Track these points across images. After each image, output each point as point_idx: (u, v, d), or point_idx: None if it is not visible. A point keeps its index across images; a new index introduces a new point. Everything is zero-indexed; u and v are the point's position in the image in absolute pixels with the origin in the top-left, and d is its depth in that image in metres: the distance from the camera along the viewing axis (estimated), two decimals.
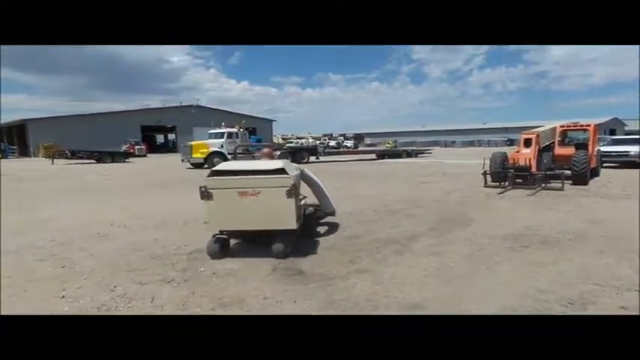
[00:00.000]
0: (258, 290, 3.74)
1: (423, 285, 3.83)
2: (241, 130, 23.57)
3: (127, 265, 4.57)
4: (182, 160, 22.98)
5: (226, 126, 24.17)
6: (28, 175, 19.41)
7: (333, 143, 53.74)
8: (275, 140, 57.03)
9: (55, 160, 29.35)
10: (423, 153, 34.05)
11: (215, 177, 4.82)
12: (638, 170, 14.23)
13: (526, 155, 11.14)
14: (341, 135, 67.77)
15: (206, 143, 22.62)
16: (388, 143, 49.12)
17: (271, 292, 3.68)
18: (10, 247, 5.41)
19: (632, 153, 16.55)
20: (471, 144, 67.18)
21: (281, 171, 4.72)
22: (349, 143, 59.76)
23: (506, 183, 10.97)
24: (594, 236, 5.53)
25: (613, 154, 16.94)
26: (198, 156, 21.95)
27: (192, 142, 22.82)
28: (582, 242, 5.25)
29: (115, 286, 3.88)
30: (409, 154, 31.53)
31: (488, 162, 11.80)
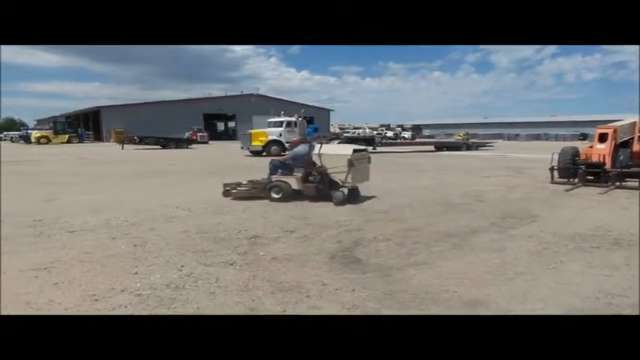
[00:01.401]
0: (316, 277, 3.82)
1: (484, 281, 3.73)
2: (299, 119, 23.79)
3: (193, 246, 4.80)
4: (242, 148, 23.59)
5: (285, 115, 24.54)
6: (103, 159, 20.78)
7: (390, 134, 53.08)
8: (332, 130, 57.07)
9: (124, 145, 31.19)
10: (484, 146, 32.83)
11: (354, 154, 7.86)
12: None
13: (601, 151, 10.45)
14: (399, 126, 66.70)
15: (265, 132, 23.07)
16: (459, 135, 47.33)
17: (329, 279, 3.74)
18: (89, 226, 5.85)
19: None
20: (537, 138, 63.97)
21: (364, 150, 8.66)
22: (407, 134, 58.76)
23: (576, 180, 10.37)
24: None
25: None
26: (257, 144, 22.46)
27: (252, 131, 23.35)
28: None
29: (182, 266, 4.10)
30: (469, 147, 30.52)
31: (556, 157, 11.17)
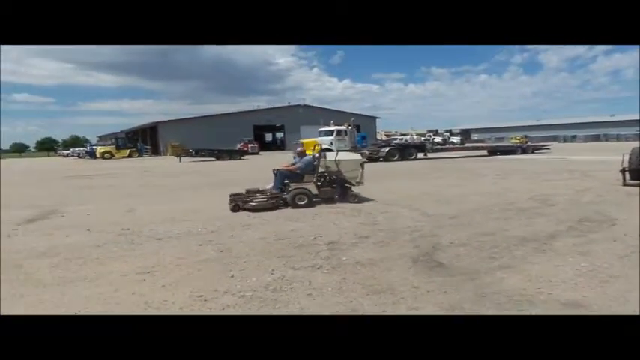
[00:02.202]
0: (405, 280, 3.93)
1: (578, 284, 3.71)
2: (350, 127, 24.02)
3: (276, 251, 5.04)
4: (294, 157, 24.03)
5: (335, 124, 24.86)
6: (165, 171, 21.84)
7: (438, 140, 52.23)
8: (378, 137, 56.92)
9: (181, 158, 32.59)
10: (540, 149, 31.61)
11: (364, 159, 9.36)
12: None
13: None
14: (447, 131, 65.52)
15: (316, 141, 23.44)
16: (516, 138, 45.52)
17: (418, 282, 3.85)
18: (172, 233, 6.24)
19: None
20: (596, 139, 60.88)
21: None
22: (455, 139, 57.60)
23: None
24: None
25: None
26: (309, 153, 22.84)
27: (304, 140, 23.79)
28: None
29: (273, 270, 4.33)
30: (524, 151, 29.50)
31: (626, 158, 10.68)
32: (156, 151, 48.30)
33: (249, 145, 42.77)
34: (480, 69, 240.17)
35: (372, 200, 8.88)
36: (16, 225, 7.40)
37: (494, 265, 4.32)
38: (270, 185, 8.87)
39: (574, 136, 64.32)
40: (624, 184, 10.16)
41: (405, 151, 25.21)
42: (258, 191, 8.68)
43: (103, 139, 67.67)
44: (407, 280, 3.92)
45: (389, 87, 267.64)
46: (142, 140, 52.08)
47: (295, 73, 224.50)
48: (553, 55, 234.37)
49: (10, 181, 18.68)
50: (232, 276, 4.18)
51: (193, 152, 33.15)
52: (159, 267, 4.57)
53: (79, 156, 53.48)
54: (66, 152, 69.34)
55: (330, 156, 9.14)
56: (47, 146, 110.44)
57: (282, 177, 8.69)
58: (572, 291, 3.53)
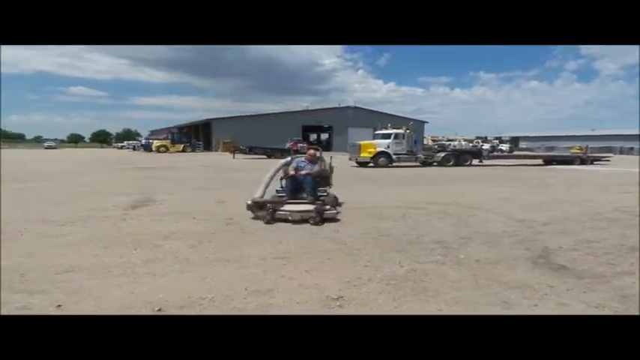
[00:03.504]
0: (535, 279, 4.15)
1: None
2: (408, 131, 24.08)
3: (390, 247, 5.35)
4: (349, 159, 24.33)
5: (392, 127, 24.97)
6: (224, 167, 22.68)
7: (487, 146, 51.23)
8: (425, 141, 56.45)
9: (235, 154, 33.61)
10: (600, 160, 30.55)
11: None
12: None
13: None
14: (496, 138, 64.17)
15: (373, 143, 23.66)
16: (577, 148, 43.75)
17: (553, 282, 4.05)
18: (274, 227, 6.63)
19: None
20: None
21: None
22: (505, 147, 56.34)
23: None
24: None
25: None
26: (365, 155, 23.11)
27: (361, 142, 24.01)
28: None
29: (400, 262, 4.64)
30: (583, 161, 28.62)
31: None
32: (208, 147, 49.81)
33: (299, 145, 43.41)
34: (530, 75, 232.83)
35: (453, 204, 9.05)
36: (123, 210, 8.04)
37: (617, 270, 4.45)
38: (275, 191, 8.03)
39: (631, 148, 61.48)
40: None
41: (461, 157, 25.05)
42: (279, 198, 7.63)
43: (155, 133, 70.37)
44: (537, 279, 4.14)
45: (434, 91, 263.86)
46: (194, 136, 53.84)
47: (340, 74, 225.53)
48: (610, 62, 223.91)
49: (88, 169, 19.93)
50: (366, 266, 4.52)
51: (247, 149, 34.11)
52: (289, 254, 4.96)
53: (133, 148, 55.94)
54: (120, 144, 72.55)
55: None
56: (101, 138, 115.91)
57: (298, 183, 7.87)
58: None
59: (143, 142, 51.82)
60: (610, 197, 10.74)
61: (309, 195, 7.61)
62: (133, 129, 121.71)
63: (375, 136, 25.15)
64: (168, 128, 64.68)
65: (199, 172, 18.93)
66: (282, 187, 8.17)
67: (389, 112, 56.01)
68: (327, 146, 57.57)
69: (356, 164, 23.49)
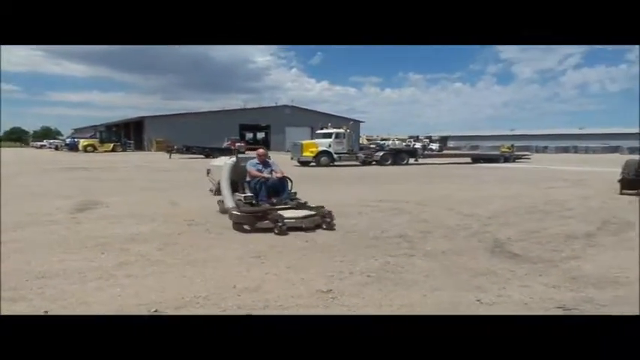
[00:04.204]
0: (496, 266, 4.59)
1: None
2: (348, 130, 24.68)
3: (358, 242, 5.61)
4: (291, 158, 24.50)
5: (332, 126, 25.47)
6: (162, 167, 21.94)
7: (418, 145, 53.56)
8: (361, 141, 57.87)
9: (171, 154, 32.50)
10: (521, 158, 33.21)
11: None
12: None
13: None
14: (427, 137, 67.23)
15: (315, 143, 24.01)
16: (505, 148, 46.69)
17: (513, 268, 4.50)
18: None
19: None
20: (565, 150, 63.68)
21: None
22: (434, 146, 59.13)
23: None
24: None
25: None
26: (307, 154, 23.38)
27: (303, 142, 24.28)
28: None
29: (373, 256, 4.90)
30: (507, 159, 30.98)
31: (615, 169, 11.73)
32: (139, 147, 47.71)
33: (237, 144, 42.77)
34: (455, 77, 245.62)
35: (405, 202, 9.53)
36: (70, 214, 7.66)
37: (563, 256, 5.02)
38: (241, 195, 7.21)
39: (545, 147, 67.05)
40: (621, 193, 11.18)
41: (398, 156, 26.11)
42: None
43: (79, 132, 66.05)
44: (499, 266, 4.58)
45: (366, 91, 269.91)
46: (125, 134, 51.34)
47: (274, 72, 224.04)
48: (526, 66, 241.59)
49: (14, 171, 18.45)
50: (342, 261, 4.73)
51: (184, 149, 33.16)
52: (263, 253, 5.05)
53: (56, 148, 52.18)
54: (39, 143, 67.38)
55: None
56: (15, 136, 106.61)
57: (265, 186, 7.20)
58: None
59: (68, 141, 48.40)
60: (538, 192, 11.83)
61: (287, 197, 7.23)
62: (52, 127, 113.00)
63: (315, 136, 25.53)
64: (94, 126, 61.09)
65: (137, 173, 18.24)
66: (249, 191, 7.19)
67: (325, 112, 56.87)
68: (264, 145, 57.36)
69: (298, 163, 23.70)
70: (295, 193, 7.51)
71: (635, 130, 64.81)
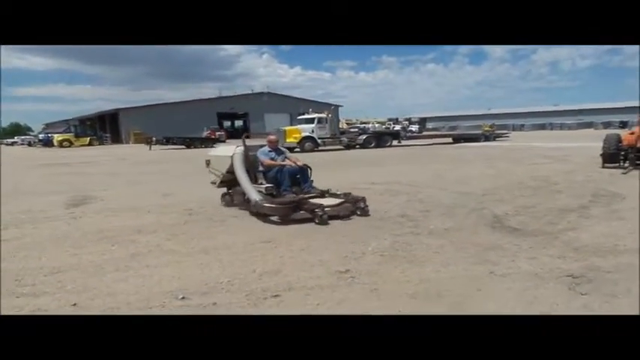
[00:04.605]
0: (500, 240, 4.78)
1: (632, 235, 4.78)
2: (329, 115, 24.74)
3: (364, 223, 5.75)
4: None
5: (314, 112, 25.49)
6: (145, 159, 21.65)
7: (398, 127, 53.93)
8: (340, 125, 57.95)
9: (152, 145, 32.00)
10: (501, 136, 33.89)
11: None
12: None
13: None
14: (406, 119, 67.66)
15: (298, 129, 24.01)
16: (486, 127, 47.43)
17: (517, 242, 4.71)
18: (236, 213, 6.73)
19: None
20: (542, 127, 65.07)
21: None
22: (414, 128, 59.62)
23: (626, 164, 11.32)
24: None
25: None
26: (291, 140, 23.36)
27: (286, 128, 24.26)
28: None
29: (382, 236, 5.04)
30: (487, 138, 31.57)
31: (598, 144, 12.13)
32: (117, 139, 46.77)
33: (217, 133, 42.42)
34: (428, 58, 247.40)
35: (397, 183, 9.70)
36: (66, 209, 7.57)
37: (560, 227, 5.26)
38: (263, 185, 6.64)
39: (522, 125, 68.32)
40: (603, 167, 11.59)
41: (381, 139, 26.34)
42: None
43: (51, 127, 64.24)
44: (502, 240, 4.78)
45: (340, 75, 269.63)
46: (100, 128, 50.23)
47: (245, 59, 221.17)
48: (497, 46, 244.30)
49: None
50: (353, 242, 4.85)
51: (164, 140, 32.73)
52: (273, 237, 5.13)
53: (29, 144, 50.83)
54: (11, 140, 65.36)
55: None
56: None
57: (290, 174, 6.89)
58: (636, 240, 4.53)
59: (41, 136, 47.12)
60: (523, 169, 12.16)
61: (310, 186, 6.89)
62: (22, 123, 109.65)
63: (298, 122, 25.53)
64: (66, 121, 59.63)
65: (122, 166, 17.96)
66: (266, 182, 6.78)
67: (303, 97, 56.64)
68: (244, 133, 56.85)
69: None
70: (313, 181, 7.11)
71: (608, 105, 66.86)
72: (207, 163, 7.44)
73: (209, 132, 42.20)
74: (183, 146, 33.03)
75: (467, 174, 11.19)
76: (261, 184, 6.69)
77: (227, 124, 66.61)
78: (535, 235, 4.97)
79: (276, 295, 3.44)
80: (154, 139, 32.75)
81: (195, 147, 32.54)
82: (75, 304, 3.32)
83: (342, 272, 3.87)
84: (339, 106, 63.44)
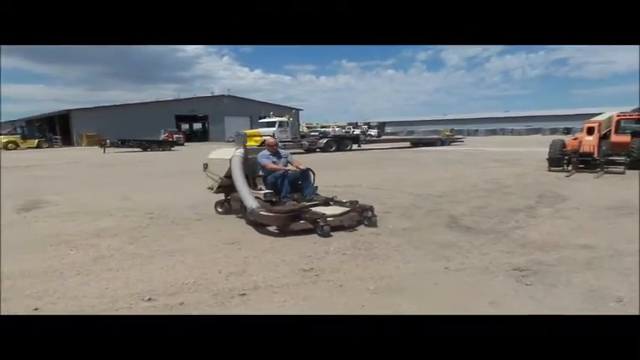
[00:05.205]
0: (456, 239, 5.05)
1: (583, 234, 5.19)
2: (291, 119, 24.85)
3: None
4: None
5: (275, 115, 25.53)
6: (100, 162, 20.98)
7: (357, 132, 54.63)
8: (301, 129, 58.10)
9: (106, 148, 30.94)
10: (456, 141, 35.13)
11: None
12: None
13: (590, 142, 12.20)
14: (365, 124, 68.62)
15: (259, 132, 23.96)
16: (446, 132, 48.60)
17: (471, 240, 4.99)
18: (195, 215, 6.74)
19: None
20: (494, 133, 67.76)
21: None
22: (373, 132, 60.54)
23: (569, 167, 12.08)
24: None
25: None
26: (252, 144, 23.22)
27: (247, 131, 24.15)
28: None
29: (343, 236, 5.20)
30: (443, 143, 32.63)
31: (544, 149, 12.90)
32: (68, 142, 44.82)
33: (175, 136, 41.51)
34: (387, 64, 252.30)
35: (359, 186, 9.93)
36: (17, 214, 7.30)
37: (509, 226, 5.63)
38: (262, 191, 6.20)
39: (476, 130, 70.90)
40: (549, 170, 12.32)
41: (342, 143, 26.70)
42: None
43: None
44: (458, 239, 5.05)
45: (301, 79, 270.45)
46: (50, 129, 47.98)
47: (205, 60, 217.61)
48: (454, 53, 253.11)
49: None
50: (314, 242, 4.98)
51: (119, 142, 31.74)
52: (237, 240, 5.19)
53: None
54: None
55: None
56: None
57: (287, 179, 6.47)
58: (585, 238, 4.94)
59: None
60: (478, 171, 12.73)
61: (313, 193, 6.49)
62: None
63: (258, 125, 25.49)
64: (12, 121, 56.68)
65: (74, 170, 17.32)
66: (265, 187, 6.39)
67: (263, 101, 56.40)
68: (202, 136, 56.01)
69: None
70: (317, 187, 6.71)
71: (554, 113, 70.60)
72: (205, 166, 7.00)
73: (167, 134, 41.16)
74: (140, 149, 32.11)
75: (425, 177, 11.59)
76: (261, 189, 6.30)
77: (185, 126, 65.35)
78: (487, 233, 5.29)
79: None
80: (107, 141, 31.67)
81: (152, 150, 31.77)
82: (36, 309, 3.27)
83: (306, 270, 4.00)
84: (299, 109, 63.56)
